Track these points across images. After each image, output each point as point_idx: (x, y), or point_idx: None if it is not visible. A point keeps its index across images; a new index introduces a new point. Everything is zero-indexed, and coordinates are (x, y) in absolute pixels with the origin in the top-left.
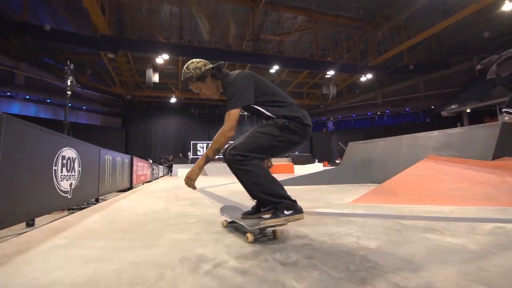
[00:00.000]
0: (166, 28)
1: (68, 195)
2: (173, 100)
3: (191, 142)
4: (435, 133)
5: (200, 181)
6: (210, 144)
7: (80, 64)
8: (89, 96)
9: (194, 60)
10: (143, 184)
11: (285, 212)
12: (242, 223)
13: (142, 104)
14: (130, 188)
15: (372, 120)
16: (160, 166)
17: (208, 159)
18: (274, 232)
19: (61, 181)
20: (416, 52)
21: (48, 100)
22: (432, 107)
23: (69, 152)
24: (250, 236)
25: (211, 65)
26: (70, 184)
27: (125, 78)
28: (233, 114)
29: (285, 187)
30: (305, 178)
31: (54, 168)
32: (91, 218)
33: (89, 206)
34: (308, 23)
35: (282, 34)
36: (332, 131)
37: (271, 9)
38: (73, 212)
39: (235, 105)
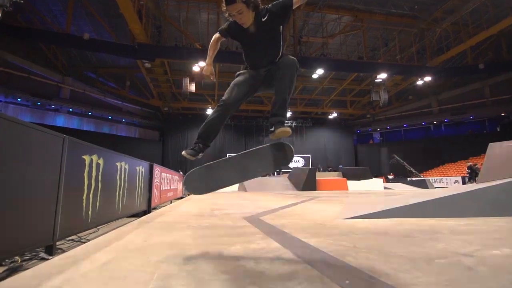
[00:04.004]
0: (203, 36)
1: None
2: (209, 111)
3: (227, 154)
4: None
5: (242, 204)
6: None
7: (120, 77)
8: (128, 109)
9: None
10: (171, 202)
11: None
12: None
13: (178, 116)
14: (147, 211)
15: (427, 131)
16: None
17: None
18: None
19: None
20: (482, 50)
21: (89, 113)
22: (503, 114)
23: None
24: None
25: None
26: None
27: (163, 90)
28: None
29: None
30: (434, 205)
31: None
32: None
33: None
34: (354, 23)
35: (326, 37)
36: (379, 143)
37: (312, 11)
38: None
39: None
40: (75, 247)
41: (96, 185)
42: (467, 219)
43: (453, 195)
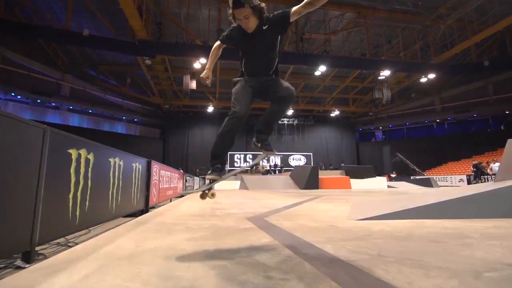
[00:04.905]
0: (204, 32)
1: None
2: (210, 109)
3: (228, 153)
4: None
5: (245, 203)
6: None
7: (121, 74)
8: (129, 107)
9: None
10: (170, 201)
11: None
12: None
13: (179, 114)
14: (145, 211)
15: (429, 129)
16: (196, 178)
17: None
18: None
19: None
20: (486, 47)
21: (90, 111)
22: (507, 112)
23: None
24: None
25: None
26: None
27: (163, 87)
28: None
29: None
30: (454, 206)
31: None
32: None
33: None
34: (357, 19)
35: (329, 33)
36: (381, 141)
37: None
38: None
39: None
40: (60, 252)
41: (85, 183)
42: (492, 221)
43: (474, 194)
